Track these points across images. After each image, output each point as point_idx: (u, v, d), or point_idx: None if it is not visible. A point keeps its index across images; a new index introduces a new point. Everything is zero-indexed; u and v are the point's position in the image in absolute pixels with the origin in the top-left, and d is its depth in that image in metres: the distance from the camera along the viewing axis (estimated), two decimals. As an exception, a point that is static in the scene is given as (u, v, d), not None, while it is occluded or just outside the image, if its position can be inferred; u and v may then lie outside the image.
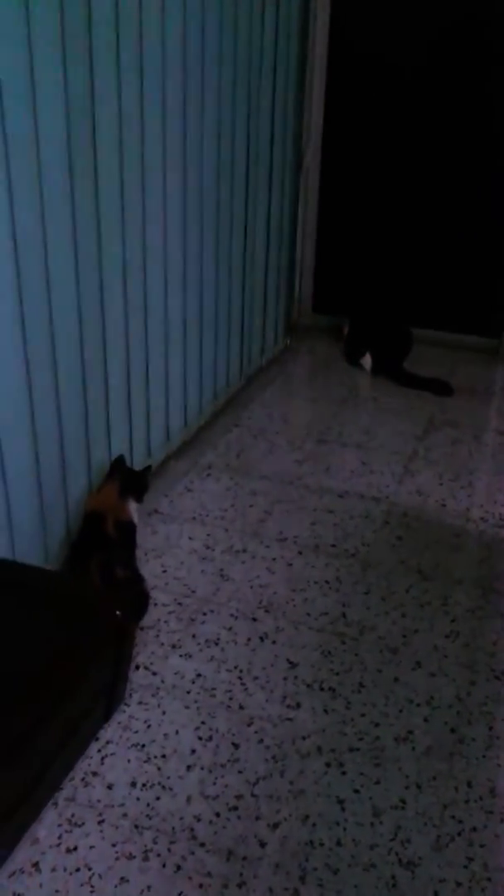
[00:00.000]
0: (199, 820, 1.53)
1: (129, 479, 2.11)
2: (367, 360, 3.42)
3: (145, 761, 1.64)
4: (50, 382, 1.91)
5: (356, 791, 1.60)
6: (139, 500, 2.12)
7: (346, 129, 3.54)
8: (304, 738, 1.71)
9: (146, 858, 1.46)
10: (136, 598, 1.96)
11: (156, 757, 1.65)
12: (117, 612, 0.85)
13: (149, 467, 2.22)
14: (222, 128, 2.63)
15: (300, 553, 2.28)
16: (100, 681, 0.82)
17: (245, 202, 2.91)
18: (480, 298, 3.61)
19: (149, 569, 2.17)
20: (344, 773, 1.63)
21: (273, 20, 2.88)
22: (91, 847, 1.47)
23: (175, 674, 1.85)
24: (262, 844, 1.49)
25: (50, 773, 0.76)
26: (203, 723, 1.73)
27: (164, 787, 1.59)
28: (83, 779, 1.59)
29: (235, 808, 1.55)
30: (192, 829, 1.51)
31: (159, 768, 1.63)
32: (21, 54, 1.62)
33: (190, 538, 2.33)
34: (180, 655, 1.91)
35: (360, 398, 3.25)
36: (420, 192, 3.52)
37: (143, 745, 1.67)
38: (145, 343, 2.37)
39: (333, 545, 2.32)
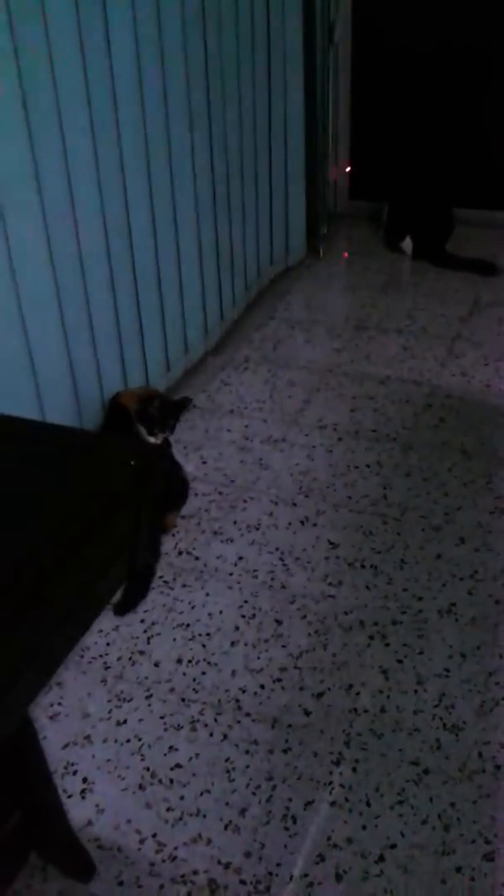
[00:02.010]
0: (244, 692, 1.56)
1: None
2: (407, 244, 3.29)
3: (190, 639, 1.67)
4: (80, 286, 1.88)
5: (399, 661, 1.60)
6: (172, 430, 1.96)
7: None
8: (346, 613, 1.71)
9: (193, 729, 1.50)
10: (176, 486, 1.97)
11: (200, 635, 1.68)
12: (132, 462, 0.83)
13: (188, 400, 2.03)
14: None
15: (340, 439, 2.25)
16: (116, 530, 0.81)
17: (268, 82, 2.76)
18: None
19: (189, 462, 2.17)
20: (387, 644, 1.64)
21: None
22: (140, 720, 1.52)
23: (217, 558, 1.87)
24: (307, 713, 1.51)
25: (68, 624, 0.76)
26: (246, 602, 1.75)
27: (209, 662, 1.62)
28: (130, 658, 1.64)
29: (279, 680, 1.58)
30: (237, 701, 1.54)
31: (204, 645, 1.66)
32: None
33: (228, 430, 2.31)
34: (222, 541, 1.92)
35: (401, 283, 3.14)
36: (460, 63, 3.29)
37: (188, 625, 1.70)
38: (175, 236, 2.30)
39: (374, 430, 2.28)
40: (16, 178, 1.63)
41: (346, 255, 3.43)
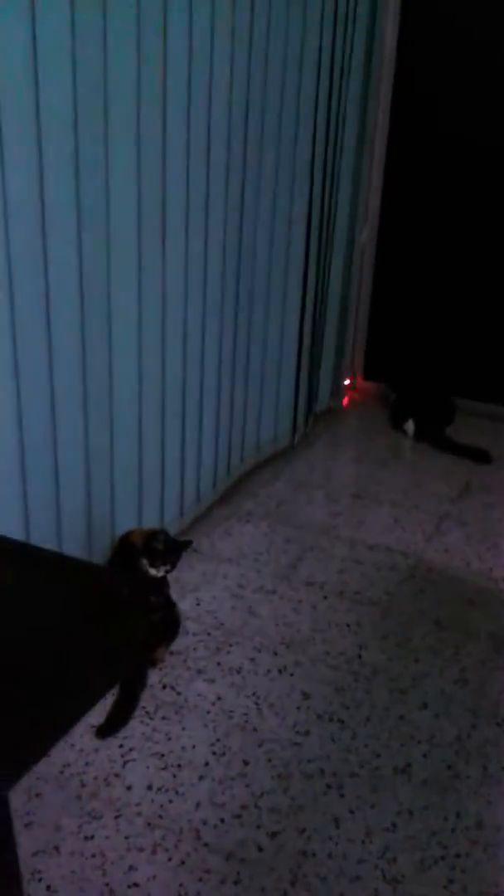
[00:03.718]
0: (205, 823, 1.68)
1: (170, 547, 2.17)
2: (410, 426, 3.60)
3: (162, 769, 1.81)
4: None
5: (351, 812, 1.73)
6: (173, 567, 2.15)
7: (405, 201, 3.77)
8: (309, 761, 1.85)
9: (154, 852, 1.62)
10: (169, 623, 2.15)
11: (172, 766, 1.82)
12: (124, 591, 1.03)
13: (189, 542, 2.28)
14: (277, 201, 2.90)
15: (325, 597, 2.44)
16: (97, 647, 1.00)
17: (304, 281, 3.15)
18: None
19: (184, 601, 2.36)
20: (342, 795, 1.77)
21: (329, 101, 3.15)
22: (106, 837, 1.64)
23: (198, 695, 2.03)
24: (260, 849, 1.63)
25: (41, 727, 0.92)
26: (218, 740, 1.90)
27: (177, 792, 1.75)
28: (105, 779, 1.77)
29: (239, 816, 1.70)
30: (197, 831, 1.67)
31: (174, 776, 1.79)
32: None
33: (224, 577, 2.52)
34: (204, 680, 2.08)
35: (401, 460, 3.42)
36: (473, 266, 3.73)
37: (162, 755, 1.85)
38: (200, 399, 2.61)
39: (358, 592, 2.48)
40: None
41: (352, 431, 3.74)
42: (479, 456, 3.41)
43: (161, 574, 2.12)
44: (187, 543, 2.21)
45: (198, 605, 2.38)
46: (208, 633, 2.25)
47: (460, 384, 3.80)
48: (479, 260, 3.71)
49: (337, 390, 3.84)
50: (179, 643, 2.20)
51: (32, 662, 0.93)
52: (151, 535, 2.13)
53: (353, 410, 3.91)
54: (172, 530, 2.61)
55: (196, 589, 2.44)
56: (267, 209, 2.81)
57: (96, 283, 1.98)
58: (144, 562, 2.11)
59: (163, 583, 2.16)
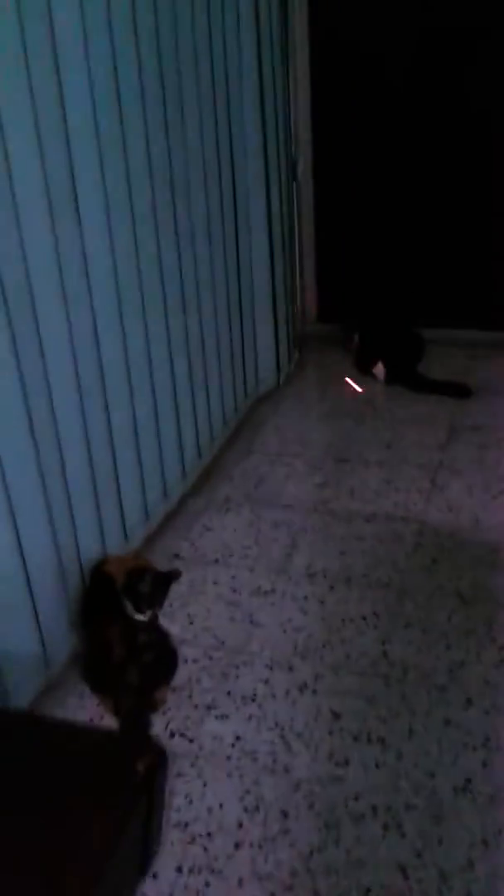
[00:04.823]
0: (253, 905, 1.42)
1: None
2: (379, 369, 3.30)
3: (190, 843, 1.53)
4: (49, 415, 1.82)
5: (418, 855, 1.48)
6: (161, 607, 1.88)
7: (336, 130, 3.42)
8: (356, 798, 1.59)
9: None
10: (165, 658, 1.86)
11: (201, 836, 1.54)
12: (138, 768, 0.75)
13: (177, 573, 1.94)
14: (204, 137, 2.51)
15: (332, 588, 2.17)
16: (129, 839, 0.72)
17: (235, 216, 2.80)
18: (490, 291, 3.48)
19: (175, 622, 2.06)
20: (403, 834, 1.52)
21: (250, 24, 2.76)
22: None
23: (213, 738, 1.75)
24: (324, 928, 1.38)
25: None
26: (248, 792, 1.63)
27: (212, 870, 1.48)
28: (126, 869, 1.49)
29: (291, 889, 1.44)
30: (247, 917, 1.40)
31: (205, 849, 1.52)
32: None
33: (215, 583, 2.22)
34: (216, 717, 1.80)
35: (377, 410, 3.13)
36: (418, 187, 3.40)
37: (187, 825, 1.57)
38: (150, 377, 2.26)
39: (365, 575, 2.21)
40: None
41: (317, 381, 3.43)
42: (459, 391, 3.14)
43: (147, 619, 1.82)
44: (174, 575, 1.91)
45: (191, 623, 2.08)
46: (210, 658, 1.96)
47: (423, 314, 3.50)
48: (427, 176, 3.37)
49: (295, 342, 3.51)
50: (179, 676, 1.90)
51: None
52: (135, 575, 1.82)
53: (313, 357, 3.59)
54: (139, 537, 2.30)
55: (185, 604, 2.14)
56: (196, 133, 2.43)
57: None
58: (128, 605, 1.80)
59: (152, 617, 1.85)
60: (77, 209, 1.83)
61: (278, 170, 3.07)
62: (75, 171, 1.80)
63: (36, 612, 1.76)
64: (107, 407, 2.05)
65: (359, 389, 2.80)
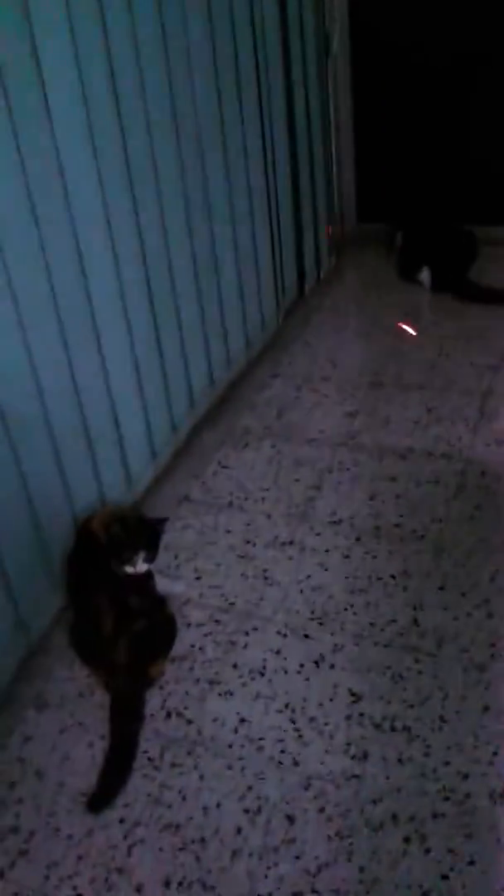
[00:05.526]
0: (248, 932, 1.23)
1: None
2: (425, 275, 2.91)
3: (181, 849, 1.34)
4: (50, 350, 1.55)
5: (445, 877, 1.26)
6: (152, 559, 1.62)
7: (379, 5, 2.92)
8: (374, 802, 1.37)
9: None
10: (160, 627, 1.63)
11: (193, 842, 1.35)
12: None
13: (164, 519, 1.71)
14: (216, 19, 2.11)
15: (358, 539, 1.90)
16: None
17: (259, 105, 2.40)
18: None
19: (180, 578, 1.83)
20: (427, 850, 1.30)
21: None
22: None
23: (214, 721, 1.53)
24: None
25: None
26: (249, 788, 1.42)
27: (204, 885, 1.29)
28: (106, 879, 1.31)
29: (293, 914, 1.24)
30: None
31: (198, 858, 1.32)
32: None
33: (227, 531, 1.97)
34: (219, 694, 1.58)
35: (421, 323, 2.77)
36: (471, 66, 2.91)
37: (178, 827, 1.37)
38: (147, 283, 1.95)
39: (397, 525, 1.93)
40: None
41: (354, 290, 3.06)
42: (516, 300, 2.76)
43: (141, 570, 1.58)
44: (160, 522, 1.65)
45: (198, 579, 1.84)
46: (216, 621, 1.73)
47: (475, 209, 3.07)
48: (480, 55, 2.87)
49: (330, 246, 3.13)
50: (182, 642, 1.68)
51: None
52: (113, 522, 1.57)
53: (352, 261, 3.20)
54: (146, 478, 2.05)
55: (193, 556, 1.90)
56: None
57: None
58: (113, 560, 1.56)
59: (144, 577, 1.62)
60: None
61: (301, 41, 2.61)
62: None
63: (4, 571, 1.54)
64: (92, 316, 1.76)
65: (413, 333, 2.44)
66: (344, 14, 2.95)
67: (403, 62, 2.97)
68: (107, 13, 1.66)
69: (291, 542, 1.92)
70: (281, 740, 1.49)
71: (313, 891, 1.26)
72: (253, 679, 1.60)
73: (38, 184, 1.51)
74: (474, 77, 2.92)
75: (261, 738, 1.49)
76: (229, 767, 1.45)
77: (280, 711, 1.54)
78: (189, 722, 1.54)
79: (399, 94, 3.04)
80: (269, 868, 1.30)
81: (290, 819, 1.36)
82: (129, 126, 1.78)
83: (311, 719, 1.51)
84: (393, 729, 1.48)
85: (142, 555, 1.57)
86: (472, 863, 1.27)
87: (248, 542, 1.93)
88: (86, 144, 1.65)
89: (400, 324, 2.53)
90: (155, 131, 1.89)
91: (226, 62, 2.19)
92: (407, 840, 1.31)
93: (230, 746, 1.49)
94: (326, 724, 1.50)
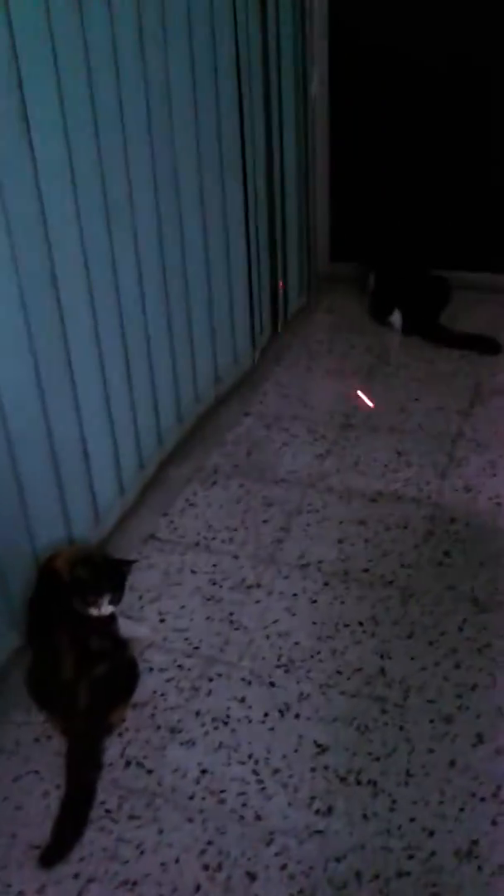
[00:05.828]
0: None
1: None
2: (396, 318, 2.93)
3: (136, 908, 1.29)
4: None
5: (409, 941, 1.23)
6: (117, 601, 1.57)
7: (357, 49, 2.97)
8: (338, 860, 1.34)
9: None
10: (121, 671, 1.59)
11: (150, 901, 1.30)
12: None
13: (131, 561, 1.72)
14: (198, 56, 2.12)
15: (326, 584, 1.88)
16: None
17: (242, 146, 2.42)
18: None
19: (144, 621, 1.79)
20: (392, 912, 1.26)
21: None
22: None
23: (174, 771, 1.49)
24: None
25: None
26: (210, 843, 1.37)
27: None
28: (57, 941, 1.25)
29: None
30: None
31: (154, 918, 1.27)
32: None
33: (193, 571, 1.94)
34: (181, 743, 1.54)
35: (391, 366, 2.78)
36: (448, 114, 2.97)
37: (135, 884, 1.32)
38: (119, 319, 1.93)
39: (366, 570, 1.91)
40: None
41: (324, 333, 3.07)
42: (486, 345, 2.78)
43: (105, 612, 1.54)
44: (127, 564, 1.62)
45: (162, 621, 1.80)
46: (180, 667, 1.69)
47: (449, 254, 3.10)
48: (457, 103, 2.93)
49: (308, 282, 3.14)
50: (144, 687, 1.64)
51: None
52: (78, 562, 1.54)
53: (325, 301, 3.22)
54: (114, 515, 2.02)
55: (157, 598, 1.86)
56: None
57: None
58: (76, 600, 1.52)
59: (107, 619, 1.57)
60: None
61: (279, 81, 2.63)
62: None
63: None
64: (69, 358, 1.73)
65: (370, 404, 2.46)
66: (324, 56, 3.00)
67: (381, 106, 3.02)
68: (91, 55, 1.66)
69: (259, 585, 1.89)
70: (243, 793, 1.45)
71: None
72: (216, 728, 1.56)
73: (16, 222, 1.49)
74: (451, 125, 2.98)
75: (222, 791, 1.45)
76: (189, 820, 1.41)
77: (243, 763, 1.50)
78: (149, 772, 1.49)
79: (376, 137, 3.08)
80: (228, 930, 1.26)
81: (252, 876, 1.32)
82: (109, 168, 1.78)
83: (275, 771, 1.48)
84: (358, 783, 1.45)
85: (107, 597, 1.53)
86: (436, 926, 1.24)
87: (214, 583, 1.90)
88: (66, 186, 1.64)
89: (358, 391, 2.54)
90: (133, 171, 1.88)
91: (207, 103, 2.20)
92: (371, 901, 1.28)
93: (191, 798, 1.44)
94: (290, 776, 1.47)
